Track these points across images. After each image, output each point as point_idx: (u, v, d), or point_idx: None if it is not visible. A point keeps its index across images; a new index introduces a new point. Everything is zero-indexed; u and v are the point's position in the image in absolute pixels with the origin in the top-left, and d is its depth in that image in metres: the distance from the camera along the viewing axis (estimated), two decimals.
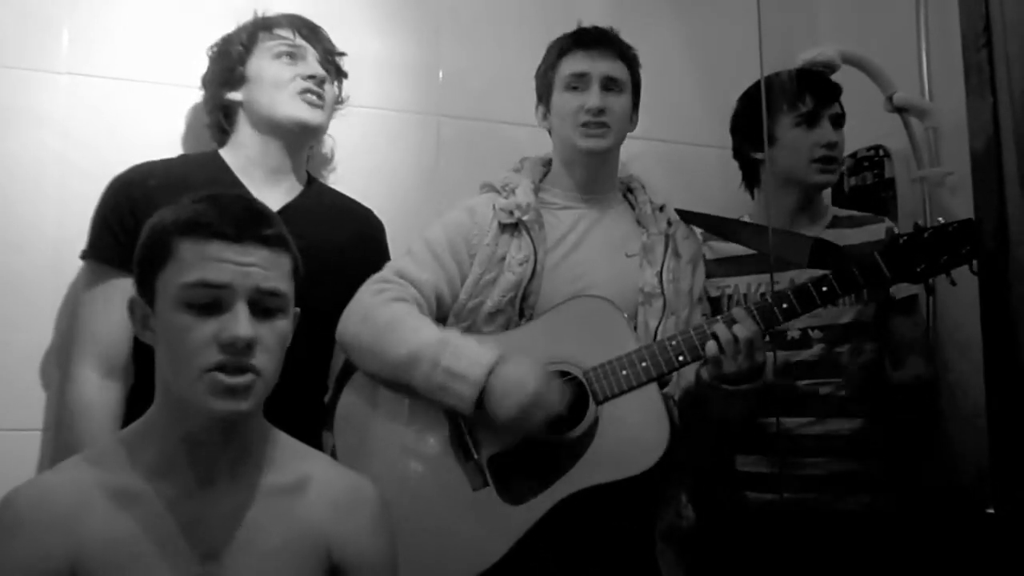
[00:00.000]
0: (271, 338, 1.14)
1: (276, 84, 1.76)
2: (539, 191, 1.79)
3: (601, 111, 1.72)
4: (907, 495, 1.90)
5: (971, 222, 1.58)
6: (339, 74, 1.90)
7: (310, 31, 1.83)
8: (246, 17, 1.83)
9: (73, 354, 1.66)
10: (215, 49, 1.83)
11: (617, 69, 1.76)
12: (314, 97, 1.77)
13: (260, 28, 1.80)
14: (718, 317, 1.60)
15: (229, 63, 1.79)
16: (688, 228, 1.85)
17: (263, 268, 1.14)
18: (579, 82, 1.74)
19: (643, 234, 1.77)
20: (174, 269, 1.13)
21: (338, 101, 1.91)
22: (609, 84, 1.74)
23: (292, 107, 1.76)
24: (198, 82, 1.87)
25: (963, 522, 1.80)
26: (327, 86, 1.81)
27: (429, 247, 1.71)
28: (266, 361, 1.13)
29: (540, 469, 1.54)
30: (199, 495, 1.15)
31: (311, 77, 1.77)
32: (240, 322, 1.10)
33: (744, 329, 1.55)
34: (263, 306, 1.14)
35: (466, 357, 1.53)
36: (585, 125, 1.73)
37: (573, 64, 1.75)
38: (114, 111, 1.88)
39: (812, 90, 1.88)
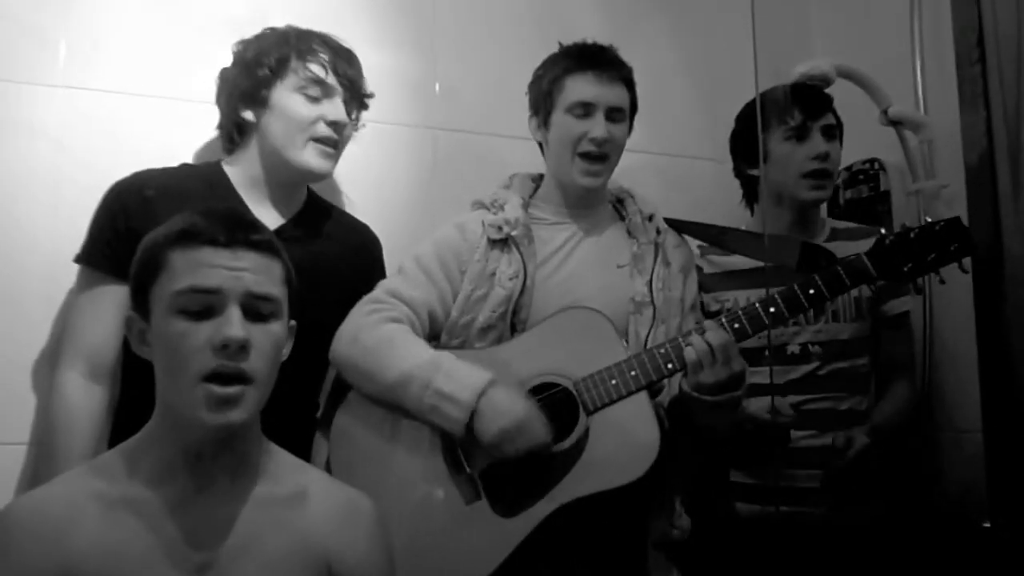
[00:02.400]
0: (265, 342, 1.15)
1: (295, 123, 1.71)
2: (529, 207, 1.79)
3: (605, 142, 1.72)
4: (902, 508, 1.89)
5: (958, 220, 1.59)
6: (361, 107, 1.83)
7: (345, 65, 1.75)
8: (244, 28, 1.79)
9: (60, 356, 1.66)
10: (243, 54, 1.76)
11: (621, 98, 1.75)
12: (329, 148, 1.73)
13: (293, 52, 1.72)
14: (692, 329, 1.60)
15: (253, 82, 1.72)
16: (679, 237, 1.85)
17: (254, 272, 1.15)
18: (584, 110, 1.72)
19: (633, 244, 1.77)
20: (166, 279, 1.14)
21: (354, 129, 1.85)
22: (613, 114, 1.73)
23: (304, 154, 1.71)
24: (192, 95, 1.87)
25: (959, 535, 1.80)
26: (346, 130, 1.76)
27: (420, 265, 1.72)
28: (260, 366, 1.14)
29: (532, 481, 1.53)
30: (196, 505, 1.15)
31: (333, 123, 1.72)
32: (233, 324, 1.11)
33: (715, 336, 1.54)
34: (256, 310, 1.15)
35: (457, 379, 1.54)
36: (585, 155, 1.72)
37: (581, 89, 1.72)
38: (109, 124, 1.88)
39: (800, 103, 1.89)
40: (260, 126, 1.74)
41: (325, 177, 1.79)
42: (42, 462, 1.63)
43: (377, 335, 1.62)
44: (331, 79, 1.73)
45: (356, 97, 1.78)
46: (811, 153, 1.88)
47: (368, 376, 1.61)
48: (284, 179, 1.76)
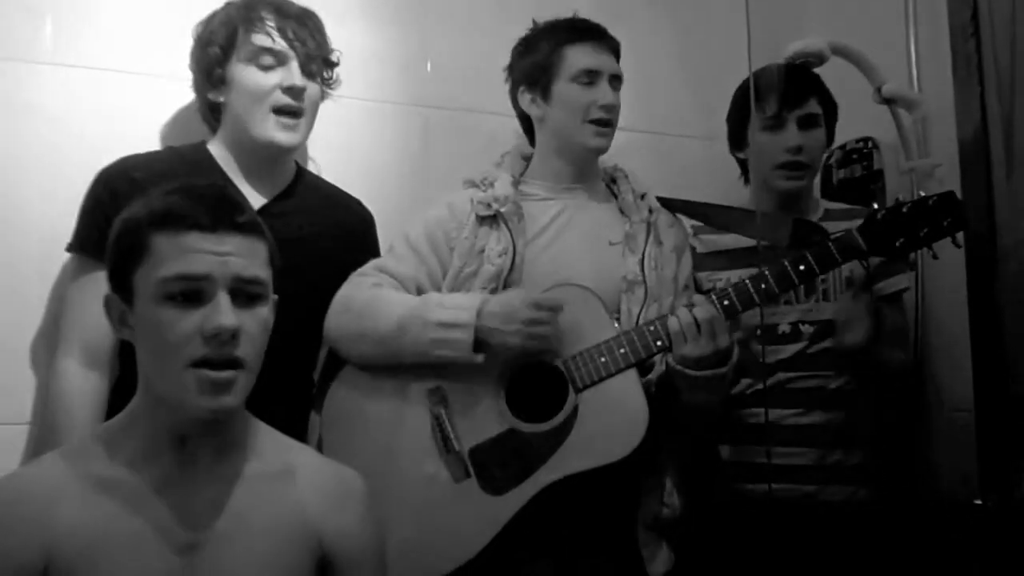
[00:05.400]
0: (254, 326, 1.14)
1: (252, 95, 1.70)
2: (520, 184, 1.79)
3: (612, 107, 1.74)
4: (893, 486, 1.90)
5: (952, 194, 1.57)
6: (327, 66, 1.81)
7: (297, 26, 1.73)
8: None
9: (57, 345, 1.66)
10: (195, 40, 1.76)
11: (617, 66, 1.78)
12: (288, 118, 1.71)
13: (240, 24, 1.71)
14: (682, 305, 1.60)
15: (208, 64, 1.73)
16: (673, 216, 1.85)
17: (241, 256, 1.14)
18: (590, 78, 1.73)
19: (625, 223, 1.77)
20: (151, 264, 1.12)
21: (324, 96, 1.84)
22: (614, 82, 1.76)
23: (265, 128, 1.70)
24: (184, 73, 1.85)
25: (950, 512, 1.80)
26: (308, 92, 1.72)
27: (409, 243, 1.72)
28: (250, 350, 1.13)
29: (521, 459, 1.54)
30: (181, 484, 1.15)
31: (290, 89, 1.69)
32: (223, 312, 1.10)
33: (703, 311, 1.55)
34: (244, 294, 1.14)
35: (452, 306, 1.57)
36: (596, 122, 1.74)
37: (584, 58, 1.74)
38: (99, 101, 1.87)
39: (778, 92, 1.86)
40: (226, 105, 1.74)
41: (294, 148, 1.77)
42: (42, 449, 1.63)
43: (365, 297, 1.64)
44: (280, 44, 1.70)
45: (315, 58, 1.75)
46: (784, 145, 1.86)
47: (363, 336, 1.62)
48: (258, 154, 1.75)
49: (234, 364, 1.11)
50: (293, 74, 1.70)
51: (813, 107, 1.89)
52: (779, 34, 2.07)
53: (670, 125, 2.34)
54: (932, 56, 2.06)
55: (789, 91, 1.87)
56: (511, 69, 1.85)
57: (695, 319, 1.54)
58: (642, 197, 1.80)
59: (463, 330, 1.53)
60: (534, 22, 1.84)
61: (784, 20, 2.35)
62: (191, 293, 1.11)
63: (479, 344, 1.55)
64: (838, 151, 2.19)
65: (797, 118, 1.86)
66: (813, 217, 1.92)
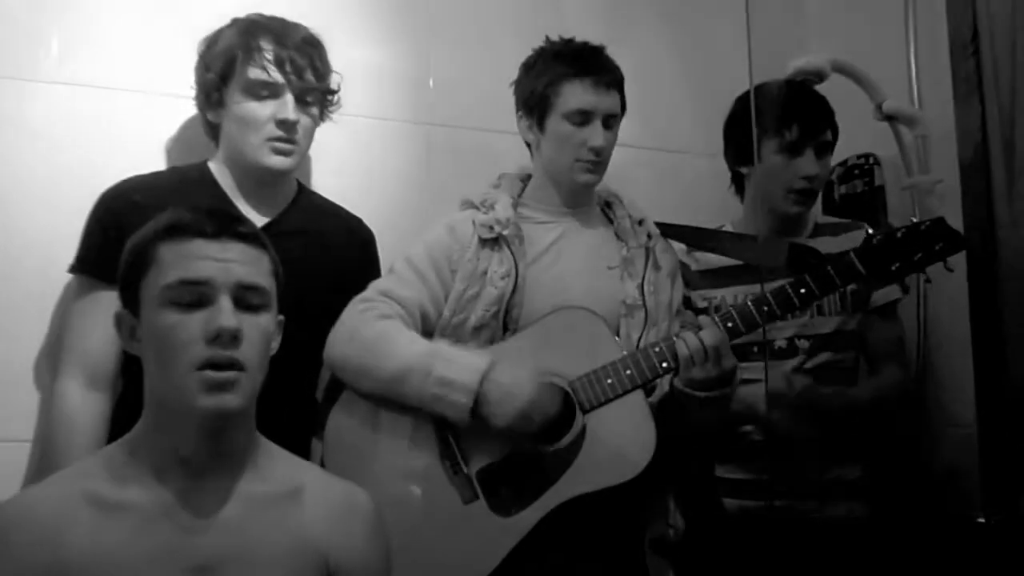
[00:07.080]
0: (255, 332, 1.15)
1: (246, 125, 1.70)
2: (518, 206, 1.79)
3: (602, 150, 1.73)
4: (893, 502, 1.90)
5: (943, 220, 1.61)
6: (325, 95, 1.80)
7: (297, 56, 1.71)
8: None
9: (59, 365, 1.66)
10: (198, 58, 1.76)
11: (616, 104, 1.75)
12: (283, 145, 1.70)
13: (239, 52, 1.69)
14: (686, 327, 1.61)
15: (206, 87, 1.73)
16: (665, 241, 1.85)
17: (243, 263, 1.16)
18: (583, 118, 1.71)
19: (622, 247, 1.78)
20: (156, 273, 1.14)
21: (322, 119, 1.83)
22: (609, 121, 1.74)
23: (259, 154, 1.70)
24: (187, 92, 1.86)
25: (952, 529, 1.81)
26: (301, 123, 1.72)
27: (411, 265, 1.72)
28: (252, 355, 1.14)
29: (529, 480, 1.54)
30: (190, 505, 1.15)
31: (282, 122, 1.69)
32: (224, 314, 1.12)
33: (710, 335, 1.56)
34: (246, 301, 1.15)
35: (458, 364, 1.55)
36: (584, 162, 1.73)
37: (578, 97, 1.71)
38: (103, 121, 1.87)
39: (800, 118, 1.85)
40: (222, 127, 1.75)
41: (289, 172, 1.77)
42: (43, 471, 1.62)
43: (373, 331, 1.62)
44: (275, 77, 1.69)
45: (311, 89, 1.74)
46: (801, 172, 1.85)
47: (366, 372, 1.61)
48: (254, 176, 1.75)
49: (236, 366, 1.12)
50: (287, 107, 1.70)
51: (828, 135, 1.89)
52: (781, 51, 2.08)
53: (672, 141, 2.35)
54: (933, 74, 2.07)
55: (811, 118, 1.87)
56: (515, 89, 1.83)
57: (703, 344, 1.55)
58: (640, 223, 1.81)
59: (463, 393, 1.52)
60: (547, 39, 1.81)
61: (785, 37, 2.36)
62: (194, 298, 1.12)
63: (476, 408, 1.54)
64: (839, 167, 2.21)
65: (815, 145, 1.86)
66: (805, 231, 1.94)
